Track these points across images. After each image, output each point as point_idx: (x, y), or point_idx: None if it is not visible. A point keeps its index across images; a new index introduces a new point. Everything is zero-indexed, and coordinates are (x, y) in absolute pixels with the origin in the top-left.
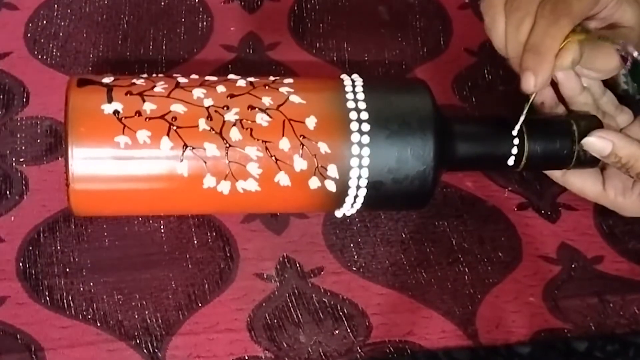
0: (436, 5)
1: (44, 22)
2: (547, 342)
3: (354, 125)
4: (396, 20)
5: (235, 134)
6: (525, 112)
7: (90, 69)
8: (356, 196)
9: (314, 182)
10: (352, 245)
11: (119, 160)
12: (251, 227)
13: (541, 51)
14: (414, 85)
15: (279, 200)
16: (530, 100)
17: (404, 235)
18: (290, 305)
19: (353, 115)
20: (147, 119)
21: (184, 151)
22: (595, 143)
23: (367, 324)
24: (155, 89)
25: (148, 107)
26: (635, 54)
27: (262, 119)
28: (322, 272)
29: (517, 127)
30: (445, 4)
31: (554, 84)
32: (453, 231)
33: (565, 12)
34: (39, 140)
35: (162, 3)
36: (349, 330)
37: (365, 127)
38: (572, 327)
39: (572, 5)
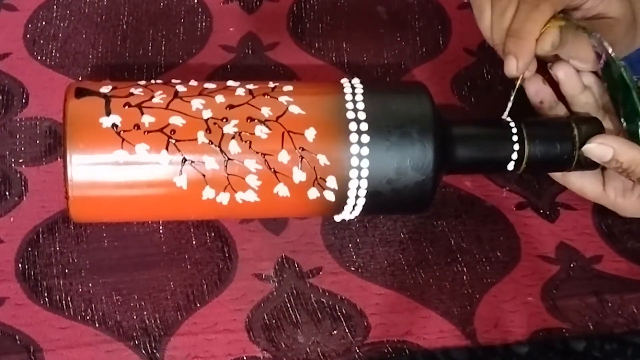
0: (435, 6)
1: (43, 23)
2: (546, 342)
3: (353, 137)
4: (395, 20)
5: (234, 147)
6: (512, 98)
7: (89, 69)
8: (355, 205)
9: (312, 193)
10: (350, 245)
11: (118, 173)
12: (250, 227)
13: (522, 35)
14: (414, 91)
15: (277, 209)
16: (517, 86)
17: (402, 236)
18: (289, 305)
19: (353, 126)
20: (146, 132)
21: (182, 164)
22: (596, 149)
23: (366, 324)
24: (154, 100)
25: (147, 119)
26: (610, 50)
27: (261, 131)
28: (321, 272)
29: (506, 112)
30: (444, 4)
31: (555, 83)
32: (452, 231)
33: None
34: (38, 141)
35: (161, 4)
36: (347, 330)
37: (365, 138)
38: (571, 326)
39: None
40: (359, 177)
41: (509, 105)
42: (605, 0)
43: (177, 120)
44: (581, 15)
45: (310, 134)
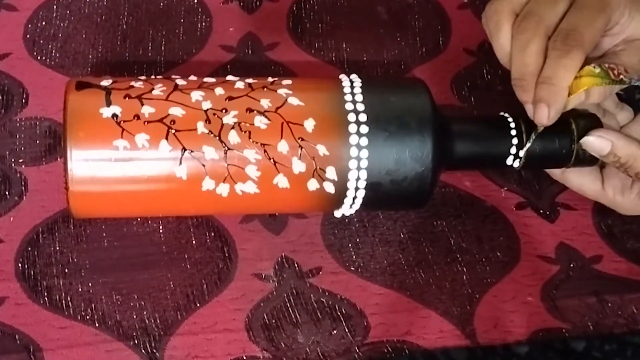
0: (435, 5)
1: (43, 23)
2: (545, 342)
3: (352, 127)
4: (395, 20)
5: (233, 137)
6: (532, 139)
7: (89, 69)
8: (355, 197)
9: (312, 184)
10: (350, 245)
11: (117, 163)
12: (250, 227)
13: (554, 82)
14: (412, 85)
15: (277, 202)
16: (539, 131)
17: (402, 235)
18: (289, 305)
19: (351, 117)
20: (146, 123)
21: (182, 154)
22: (594, 142)
23: (365, 323)
24: (154, 92)
25: (146, 110)
26: None
27: (260, 121)
28: (321, 272)
29: (523, 151)
30: (444, 4)
31: None
32: (451, 231)
33: (577, 43)
34: (38, 141)
35: (161, 4)
36: (347, 330)
37: (364, 129)
38: (570, 326)
39: (583, 35)
40: (359, 168)
41: (528, 145)
42: (633, 23)
43: (176, 111)
44: (610, 41)
45: (310, 124)
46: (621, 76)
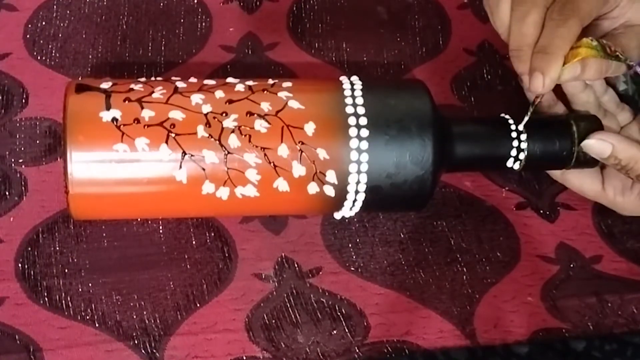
0: (435, 5)
1: (43, 23)
2: (545, 342)
3: (352, 131)
4: (395, 20)
5: (233, 141)
6: (530, 112)
7: (89, 69)
8: (355, 200)
9: (312, 188)
10: (350, 245)
11: (117, 167)
12: (250, 227)
13: (550, 51)
14: (413, 87)
15: (277, 205)
16: (536, 103)
17: (402, 235)
18: (289, 305)
19: (352, 120)
20: (146, 126)
21: (182, 158)
22: (595, 145)
23: (365, 324)
24: (154, 95)
25: (146, 114)
26: None
27: (260, 125)
28: (321, 272)
29: (522, 125)
30: (444, 4)
31: None
32: (451, 231)
33: (573, 13)
34: (38, 141)
35: (161, 4)
36: (347, 330)
37: (364, 132)
38: (570, 326)
39: (580, 6)
40: (359, 172)
41: (526, 118)
42: (633, 8)
43: (176, 115)
44: (609, 24)
45: (310, 128)
46: (617, 53)
